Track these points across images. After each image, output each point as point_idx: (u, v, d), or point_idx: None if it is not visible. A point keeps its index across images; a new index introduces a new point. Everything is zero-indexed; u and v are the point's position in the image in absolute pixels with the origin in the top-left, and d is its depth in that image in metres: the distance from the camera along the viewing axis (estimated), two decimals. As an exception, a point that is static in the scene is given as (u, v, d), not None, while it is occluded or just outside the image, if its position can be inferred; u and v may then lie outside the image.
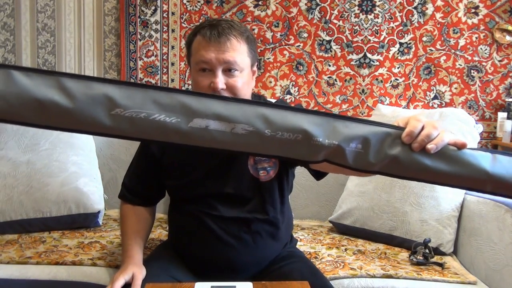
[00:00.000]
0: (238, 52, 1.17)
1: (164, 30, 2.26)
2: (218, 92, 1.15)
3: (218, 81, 1.15)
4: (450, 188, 1.68)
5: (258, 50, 2.24)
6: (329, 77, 2.27)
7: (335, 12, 2.23)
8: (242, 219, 1.25)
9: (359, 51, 2.25)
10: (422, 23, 2.23)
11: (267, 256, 1.29)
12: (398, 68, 2.25)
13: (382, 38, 2.24)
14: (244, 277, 1.23)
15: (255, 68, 1.28)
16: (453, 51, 2.23)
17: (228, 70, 1.17)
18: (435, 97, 2.26)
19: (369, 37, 2.24)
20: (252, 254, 1.25)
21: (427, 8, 2.22)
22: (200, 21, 2.24)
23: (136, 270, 1.16)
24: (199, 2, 2.24)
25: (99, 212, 1.79)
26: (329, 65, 2.26)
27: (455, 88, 2.25)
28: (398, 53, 2.24)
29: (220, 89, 1.16)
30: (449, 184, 0.83)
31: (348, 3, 2.23)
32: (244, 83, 1.20)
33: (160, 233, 1.76)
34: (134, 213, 1.35)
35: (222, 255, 1.24)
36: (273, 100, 1.67)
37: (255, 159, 1.27)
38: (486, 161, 0.79)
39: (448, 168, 0.79)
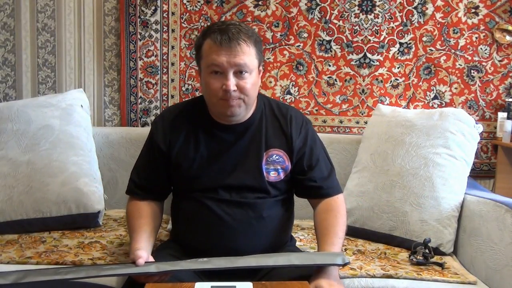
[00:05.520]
0: (248, 55, 1.25)
1: (164, 30, 2.26)
2: (229, 92, 1.23)
3: (230, 84, 1.23)
4: (450, 188, 1.70)
5: (258, 50, 2.24)
6: (329, 77, 2.27)
7: (335, 12, 2.23)
8: (245, 203, 1.31)
9: (359, 51, 2.25)
10: (422, 23, 2.23)
11: (267, 241, 1.32)
12: (398, 68, 2.25)
13: (382, 38, 2.24)
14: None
15: (261, 68, 1.34)
16: (453, 51, 2.23)
17: (239, 72, 1.25)
18: (435, 97, 2.26)
19: (369, 37, 2.24)
20: (253, 237, 1.30)
21: (427, 8, 2.22)
22: (200, 21, 2.24)
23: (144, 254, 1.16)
24: (199, 2, 2.24)
25: (99, 212, 1.79)
26: (329, 65, 2.26)
27: (455, 88, 2.25)
28: (398, 53, 2.24)
29: (232, 91, 1.24)
30: None
31: (348, 3, 2.23)
32: (253, 83, 1.28)
33: (160, 233, 1.76)
34: (143, 207, 1.35)
35: (224, 237, 1.28)
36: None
37: (267, 159, 1.33)
38: None
39: None
